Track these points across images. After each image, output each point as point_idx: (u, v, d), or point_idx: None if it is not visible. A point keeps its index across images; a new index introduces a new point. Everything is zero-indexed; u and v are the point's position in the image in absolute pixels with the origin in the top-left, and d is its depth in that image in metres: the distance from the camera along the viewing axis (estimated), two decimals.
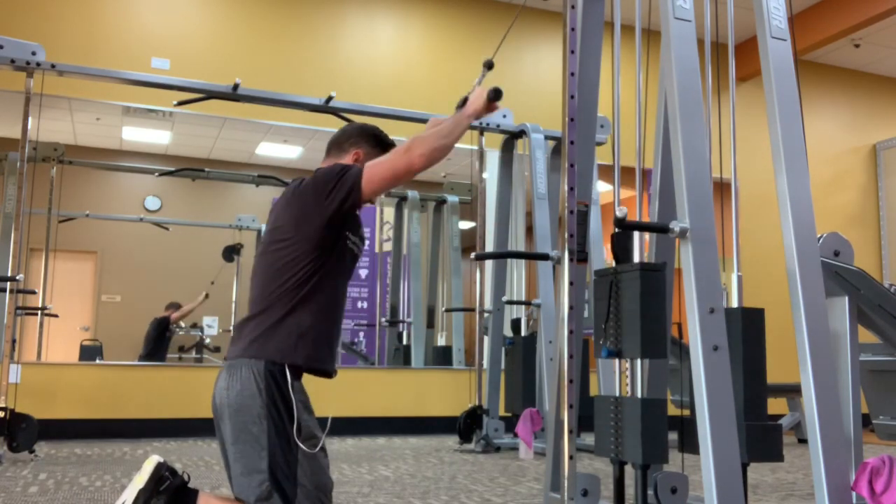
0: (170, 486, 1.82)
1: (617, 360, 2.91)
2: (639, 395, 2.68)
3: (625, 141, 3.70)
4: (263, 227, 8.15)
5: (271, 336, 1.89)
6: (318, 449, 1.90)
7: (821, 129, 8.59)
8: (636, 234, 2.75)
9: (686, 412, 2.66)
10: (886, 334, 3.14)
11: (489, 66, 2.30)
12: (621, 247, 2.70)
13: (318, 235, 1.93)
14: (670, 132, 2.53)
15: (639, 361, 2.68)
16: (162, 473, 1.83)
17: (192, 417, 5.84)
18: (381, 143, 2.15)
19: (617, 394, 2.80)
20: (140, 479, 1.83)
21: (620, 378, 2.88)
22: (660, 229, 2.47)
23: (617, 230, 2.74)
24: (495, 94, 2.09)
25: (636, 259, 2.78)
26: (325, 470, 1.93)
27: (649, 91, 3.06)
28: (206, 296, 7.97)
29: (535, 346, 5.46)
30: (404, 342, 7.79)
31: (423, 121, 5.91)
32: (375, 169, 1.93)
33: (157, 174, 8.20)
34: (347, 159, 2.11)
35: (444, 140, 1.96)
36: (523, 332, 5.78)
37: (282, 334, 1.89)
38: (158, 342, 7.57)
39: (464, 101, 2.16)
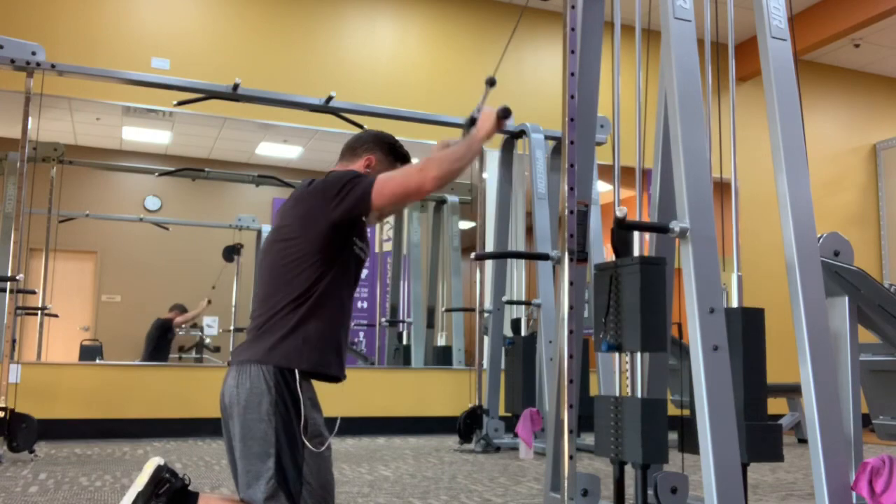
0: (169, 489, 1.83)
1: (617, 359, 2.91)
2: (639, 394, 2.68)
3: (625, 141, 3.70)
4: (263, 227, 8.18)
5: (279, 342, 1.89)
6: (324, 448, 1.90)
7: (821, 129, 8.59)
8: (636, 232, 2.75)
9: (686, 412, 2.66)
10: (886, 334, 3.14)
11: (492, 83, 2.28)
12: (621, 241, 2.70)
13: (322, 238, 1.93)
14: (670, 132, 2.53)
15: (639, 356, 2.68)
16: (162, 476, 1.84)
17: (192, 417, 5.84)
18: (394, 152, 2.15)
19: (617, 394, 2.80)
20: (140, 481, 1.83)
21: (620, 376, 2.88)
22: (660, 229, 2.48)
23: (615, 226, 2.75)
24: (504, 113, 2.08)
25: (636, 254, 2.78)
26: (331, 469, 1.94)
27: (649, 91, 3.06)
28: (209, 302, 7.96)
29: (535, 346, 5.46)
30: (404, 342, 7.79)
31: (424, 121, 5.92)
32: (388, 183, 1.91)
33: (157, 174, 8.20)
34: (360, 164, 2.10)
35: (457, 163, 1.96)
36: (523, 332, 5.78)
37: (289, 340, 1.89)
38: (160, 343, 7.56)
39: (471, 121, 2.15)
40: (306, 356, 1.89)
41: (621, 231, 2.72)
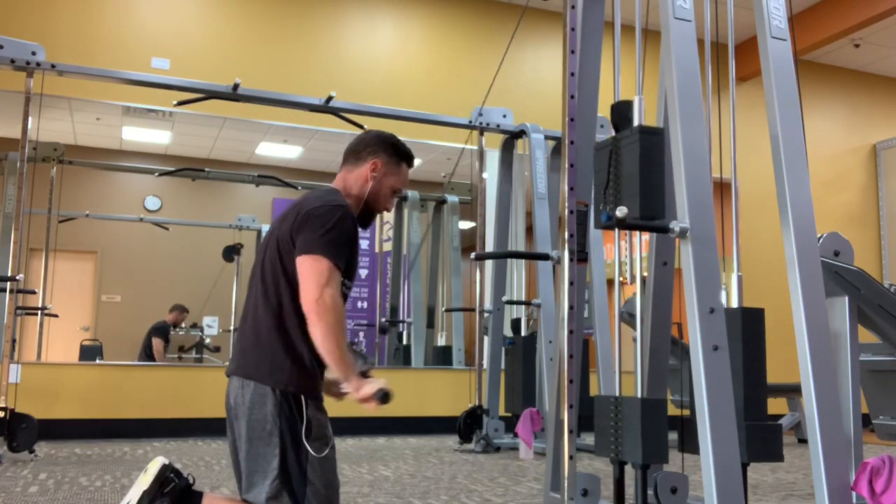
0: (174, 488, 1.84)
1: (617, 360, 2.91)
2: (638, 308, 2.68)
3: None
4: (263, 227, 8.18)
5: (269, 362, 1.89)
6: (328, 449, 1.91)
7: (821, 129, 8.59)
8: (636, 105, 2.71)
9: (686, 412, 2.66)
10: (886, 334, 3.14)
11: (384, 399, 2.08)
12: (621, 116, 2.69)
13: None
14: (670, 132, 2.53)
15: (638, 233, 2.68)
16: (167, 475, 1.85)
17: (192, 417, 5.84)
18: (398, 153, 2.12)
19: (617, 394, 2.80)
20: (145, 480, 1.84)
21: (618, 252, 2.88)
22: (660, 229, 2.47)
23: (616, 101, 2.75)
24: (383, 399, 1.91)
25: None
26: (335, 468, 1.95)
27: (649, 91, 3.06)
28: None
29: (535, 346, 5.46)
30: (404, 342, 7.80)
31: (424, 121, 5.92)
32: (314, 270, 1.84)
33: (157, 174, 8.21)
34: (365, 169, 2.08)
35: (329, 345, 1.83)
36: (523, 332, 5.78)
37: (278, 363, 1.88)
38: (152, 350, 7.53)
39: (364, 361, 2.04)
40: (293, 380, 1.89)
41: (622, 105, 2.71)
